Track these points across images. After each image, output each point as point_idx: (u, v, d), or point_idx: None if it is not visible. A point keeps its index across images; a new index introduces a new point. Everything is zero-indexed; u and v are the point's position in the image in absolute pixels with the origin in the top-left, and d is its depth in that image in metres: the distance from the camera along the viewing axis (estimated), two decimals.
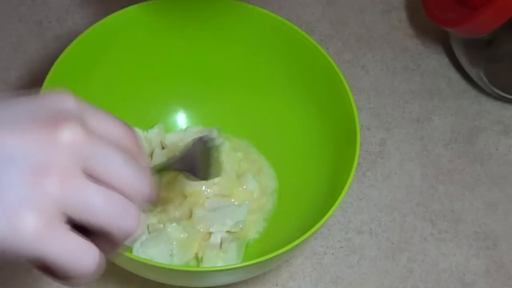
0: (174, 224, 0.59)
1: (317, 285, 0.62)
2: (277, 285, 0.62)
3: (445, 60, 0.78)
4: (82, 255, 0.28)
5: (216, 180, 0.61)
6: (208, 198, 0.61)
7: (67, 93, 0.30)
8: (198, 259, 0.59)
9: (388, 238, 0.65)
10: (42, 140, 0.28)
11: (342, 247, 0.64)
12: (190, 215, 0.60)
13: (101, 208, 0.29)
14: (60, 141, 0.28)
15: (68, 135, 0.28)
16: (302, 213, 0.59)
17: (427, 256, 0.65)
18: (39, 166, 0.27)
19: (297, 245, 0.50)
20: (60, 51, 0.58)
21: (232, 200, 0.62)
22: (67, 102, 0.29)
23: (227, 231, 0.60)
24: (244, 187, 0.63)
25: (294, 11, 0.79)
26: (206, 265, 0.58)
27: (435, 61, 0.77)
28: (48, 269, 0.29)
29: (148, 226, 0.60)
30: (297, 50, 0.61)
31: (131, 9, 0.60)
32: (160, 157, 0.62)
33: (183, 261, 0.59)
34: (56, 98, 0.29)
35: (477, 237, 0.66)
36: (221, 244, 0.59)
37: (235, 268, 0.51)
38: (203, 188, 0.61)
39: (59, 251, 0.28)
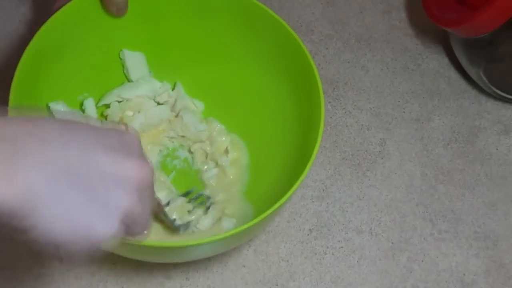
0: None
1: (317, 285, 0.62)
2: (277, 285, 0.62)
3: (445, 60, 0.78)
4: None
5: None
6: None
7: (136, 135, 0.44)
8: None
9: (388, 238, 0.65)
10: (132, 167, 0.41)
11: (342, 247, 0.64)
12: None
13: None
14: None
15: (138, 173, 0.41)
16: (274, 185, 0.60)
17: (427, 256, 0.65)
18: (124, 187, 0.41)
19: (266, 216, 0.50)
20: None
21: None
22: (137, 142, 0.43)
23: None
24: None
25: (294, 11, 0.79)
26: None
27: (435, 61, 0.77)
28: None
29: None
30: (254, 21, 0.61)
31: None
32: None
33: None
34: (133, 137, 0.43)
35: (477, 237, 0.66)
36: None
37: (209, 242, 0.50)
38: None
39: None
